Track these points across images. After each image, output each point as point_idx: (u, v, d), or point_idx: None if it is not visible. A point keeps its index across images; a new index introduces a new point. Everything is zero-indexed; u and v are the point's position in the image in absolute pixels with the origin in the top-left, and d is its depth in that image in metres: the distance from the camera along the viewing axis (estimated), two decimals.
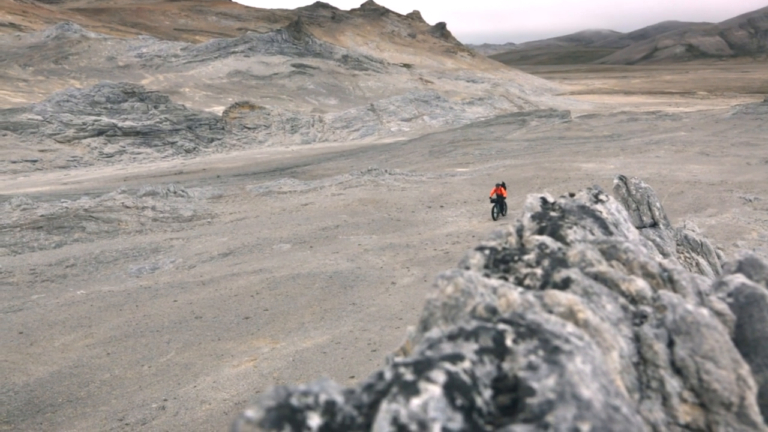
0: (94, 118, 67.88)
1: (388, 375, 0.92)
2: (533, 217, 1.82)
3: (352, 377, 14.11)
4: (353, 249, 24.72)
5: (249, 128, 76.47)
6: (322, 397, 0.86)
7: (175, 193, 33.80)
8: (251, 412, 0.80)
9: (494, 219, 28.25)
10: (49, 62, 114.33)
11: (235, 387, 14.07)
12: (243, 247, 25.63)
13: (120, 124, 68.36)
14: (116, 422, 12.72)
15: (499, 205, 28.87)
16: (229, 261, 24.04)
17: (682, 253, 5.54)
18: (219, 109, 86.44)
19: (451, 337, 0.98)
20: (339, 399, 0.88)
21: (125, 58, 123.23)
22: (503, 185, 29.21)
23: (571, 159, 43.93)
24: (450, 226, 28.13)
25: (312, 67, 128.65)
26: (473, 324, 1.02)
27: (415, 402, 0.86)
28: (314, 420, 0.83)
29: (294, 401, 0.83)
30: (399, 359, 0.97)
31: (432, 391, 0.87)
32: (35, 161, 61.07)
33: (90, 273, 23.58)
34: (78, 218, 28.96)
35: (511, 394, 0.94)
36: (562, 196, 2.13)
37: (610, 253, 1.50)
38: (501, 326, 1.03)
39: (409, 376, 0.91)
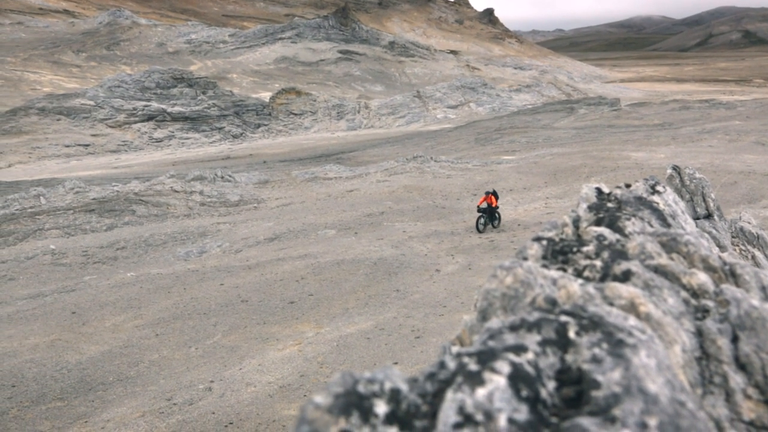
0: (144, 103, 68.99)
1: (452, 365, 0.92)
2: (590, 208, 1.79)
3: (396, 364, 14.16)
4: (398, 236, 24.75)
5: (295, 114, 76.89)
6: (387, 385, 0.87)
7: (222, 178, 34.20)
8: (320, 398, 0.81)
9: (479, 231, 25.20)
10: (102, 48, 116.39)
11: (279, 370, 14.24)
12: (288, 233, 25.84)
13: (169, 110, 69.36)
14: (164, 402, 12.98)
15: (489, 215, 25.70)
16: (275, 246, 24.27)
17: (737, 245, 5.42)
18: (266, 95, 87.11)
19: (513, 328, 0.98)
20: (403, 387, 0.89)
21: (174, 44, 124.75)
22: (494, 193, 26.20)
23: (620, 148, 43.23)
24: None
25: (358, 53, 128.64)
26: (535, 315, 1.01)
27: (481, 392, 0.86)
28: (381, 407, 0.84)
29: (361, 388, 0.84)
30: (462, 349, 0.97)
31: (497, 381, 0.87)
32: (87, 145, 62.38)
33: (139, 256, 24.04)
34: (128, 202, 29.52)
35: (575, 386, 0.93)
36: (618, 187, 2.10)
37: (670, 245, 1.48)
38: (563, 318, 1.03)
39: (473, 366, 0.91)
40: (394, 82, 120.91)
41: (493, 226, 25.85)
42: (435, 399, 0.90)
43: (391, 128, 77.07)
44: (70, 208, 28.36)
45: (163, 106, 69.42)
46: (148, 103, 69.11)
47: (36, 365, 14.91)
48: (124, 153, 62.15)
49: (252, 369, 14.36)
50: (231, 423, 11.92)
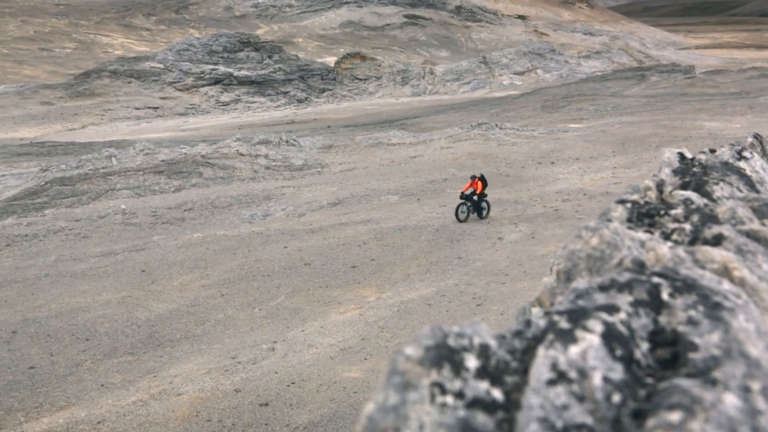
0: (211, 67, 69.86)
1: (541, 323, 0.91)
2: (674, 172, 1.74)
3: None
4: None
5: (360, 79, 76.80)
6: (476, 340, 0.86)
7: (287, 142, 34.51)
8: (410, 350, 0.81)
9: (460, 221, 22.32)
10: (171, 12, 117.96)
11: (341, 333, 14.43)
12: (351, 198, 25.99)
13: (236, 74, 70.07)
14: (229, 360, 13.32)
15: (474, 204, 22.69)
16: (338, 210, 24.46)
17: None
18: (331, 60, 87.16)
19: (603, 288, 0.96)
20: (492, 343, 0.88)
21: (241, 8, 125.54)
22: (482, 178, 22.97)
23: (693, 117, 41.90)
24: (560, 183, 27.52)
25: (424, 18, 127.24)
26: (626, 276, 0.99)
27: (574, 350, 0.85)
28: (471, 362, 0.83)
29: (451, 342, 0.84)
30: (551, 308, 0.96)
31: (590, 340, 0.85)
32: (157, 108, 63.64)
33: (206, 217, 24.54)
34: (196, 164, 30.10)
35: (670, 348, 0.91)
36: (702, 152, 2.03)
37: (762, 211, 1.42)
38: (655, 279, 1.00)
39: (564, 324, 0.90)
40: (459, 47, 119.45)
41: (480, 216, 22.75)
42: (524, 356, 0.89)
43: (456, 94, 76.35)
44: (140, 169, 29.08)
45: (230, 70, 70.17)
46: (216, 67, 69.95)
47: (108, 320, 15.45)
48: (191, 116, 63.21)
49: (314, 331, 14.60)
50: (293, 383, 12.17)
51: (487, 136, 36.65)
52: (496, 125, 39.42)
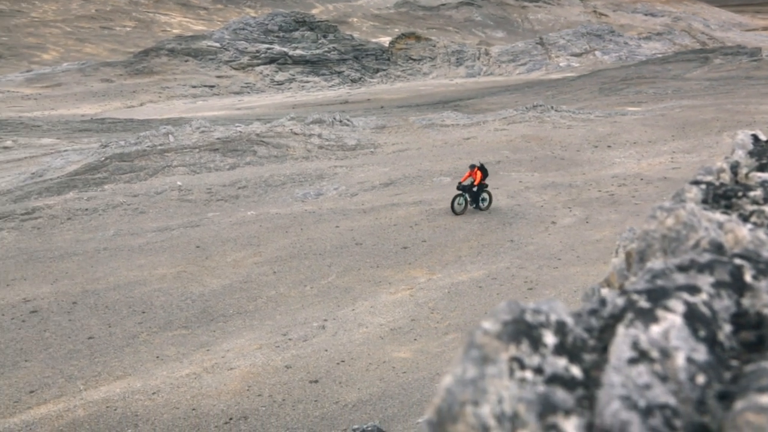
0: (267, 46, 70.33)
1: (619, 301, 0.89)
2: (750, 154, 1.68)
3: None
4: (514, 186, 24.42)
5: (414, 60, 76.46)
6: (553, 317, 0.85)
7: (340, 121, 34.61)
8: (488, 324, 0.81)
9: (455, 213, 21.17)
10: None
11: (391, 313, 14.50)
12: (404, 178, 25.97)
13: (290, 53, 70.43)
14: (280, 336, 13.50)
15: (472, 195, 21.43)
16: (390, 191, 24.48)
17: None
18: (385, 40, 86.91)
19: (682, 269, 0.94)
20: (569, 320, 0.87)
21: None
22: (481, 168, 21.62)
23: (758, 101, 40.64)
24: (617, 167, 27.03)
25: None
26: (707, 257, 0.96)
27: (655, 329, 0.83)
28: (549, 338, 0.82)
29: (528, 317, 0.83)
30: (629, 287, 0.94)
31: (672, 319, 0.83)
32: (213, 86, 64.43)
33: (260, 195, 24.81)
34: (250, 142, 30.42)
35: (755, 331, 0.88)
36: None
37: None
38: (737, 261, 0.97)
39: (643, 303, 0.88)
40: (516, 28, 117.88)
41: (479, 208, 21.54)
42: (602, 334, 0.87)
43: (511, 76, 75.46)
44: (196, 146, 29.52)
45: (285, 49, 70.56)
46: (271, 46, 70.40)
47: (163, 294, 15.79)
48: (246, 95, 63.83)
49: (364, 310, 14.69)
50: (343, 361, 12.29)
51: (542, 119, 36.18)
52: (552, 107, 38.87)
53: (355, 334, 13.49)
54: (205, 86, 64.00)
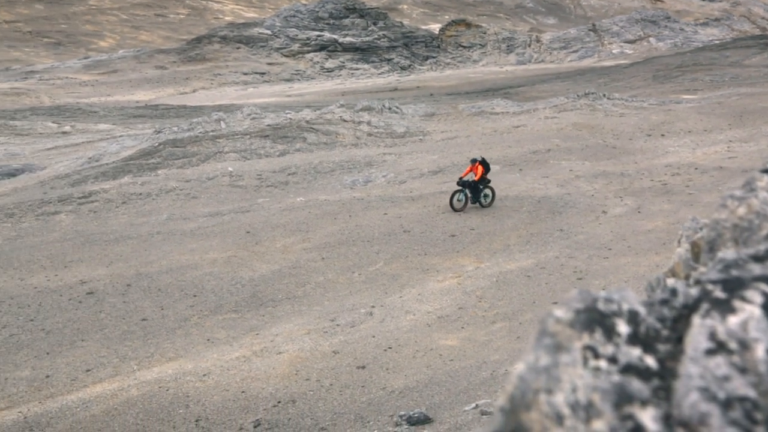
0: (317, 33, 70.60)
1: (693, 291, 0.87)
2: None
3: (556, 303, 13.99)
4: (564, 174, 24.10)
5: (464, 47, 75.91)
6: (625, 306, 0.84)
7: (389, 109, 34.58)
8: (560, 312, 0.79)
9: (454, 209, 20.32)
10: None
11: (438, 301, 14.48)
12: (452, 166, 25.84)
13: (340, 40, 70.58)
14: (328, 322, 13.60)
15: (473, 191, 20.51)
16: (439, 179, 24.40)
17: None
18: (435, 27, 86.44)
19: (757, 259, 0.91)
20: (641, 310, 0.85)
21: None
22: (483, 162, 20.77)
23: None
24: (670, 156, 26.47)
25: None
26: None
27: (733, 320, 0.81)
28: (622, 327, 0.81)
29: (600, 306, 0.81)
30: (702, 277, 0.91)
31: (750, 310, 0.81)
32: (263, 73, 64.99)
33: (309, 182, 24.97)
34: (300, 129, 30.61)
35: None
36: None
37: None
38: None
39: (719, 293, 0.85)
40: (568, 14, 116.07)
41: (481, 204, 20.68)
42: (676, 324, 0.85)
43: (563, 63, 74.40)
44: (247, 133, 29.83)
45: (335, 37, 70.74)
46: (321, 33, 70.65)
47: (214, 278, 16.04)
48: (296, 82, 64.22)
49: (412, 298, 14.70)
50: (390, 348, 12.33)
51: (594, 107, 35.61)
52: (604, 95, 38.21)
53: (402, 321, 13.51)
54: (256, 73, 64.58)
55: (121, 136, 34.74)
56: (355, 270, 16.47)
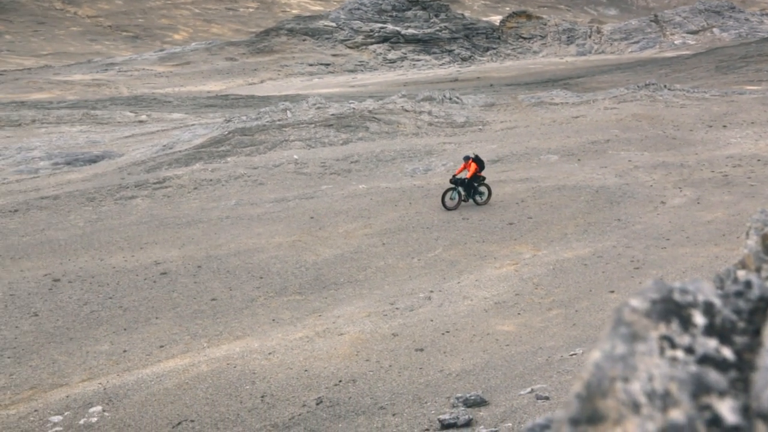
0: (380, 25, 70.53)
1: None
2: None
3: (612, 292, 13.74)
4: (622, 164, 23.59)
5: (524, 38, 74.84)
6: (700, 297, 0.81)
7: (450, 99, 34.36)
8: (636, 302, 0.78)
9: (447, 208, 19.54)
10: None
11: (495, 287, 14.38)
12: (511, 156, 25.57)
13: (403, 32, 70.39)
14: (388, 305, 13.65)
15: (467, 188, 19.71)
16: (497, 168, 24.17)
17: None
18: (496, 19, 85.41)
19: None
20: (717, 301, 0.83)
21: None
22: (476, 159, 19.89)
23: None
24: (732, 147, 25.62)
25: None
26: None
27: None
28: (699, 318, 0.79)
29: (676, 297, 0.79)
30: None
31: None
32: (328, 65, 65.31)
33: (371, 170, 25.03)
34: (363, 119, 30.68)
35: None
36: None
37: None
38: None
39: None
40: (629, 5, 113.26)
41: (476, 202, 19.89)
42: (752, 317, 0.83)
43: (623, 54, 72.67)
44: (312, 122, 30.05)
45: (398, 29, 70.58)
46: (384, 26, 70.57)
47: (279, 261, 16.25)
48: (360, 73, 64.35)
49: (469, 283, 14.64)
50: (447, 331, 12.31)
51: (655, 98, 34.70)
52: (665, 86, 37.20)
53: (460, 306, 13.47)
54: (321, 64, 64.96)
55: (193, 124, 35.43)
56: (414, 256, 16.48)
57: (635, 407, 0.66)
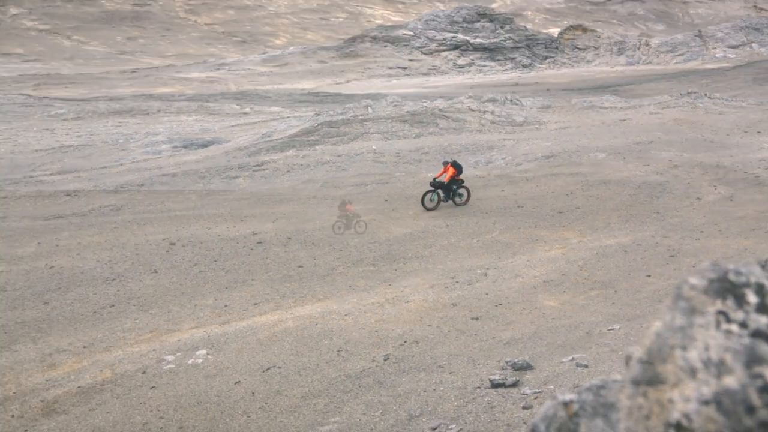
0: (452, 35, 69.80)
1: None
2: None
3: (648, 276, 13.31)
4: (663, 164, 22.75)
5: (579, 49, 72.78)
6: (752, 279, 0.78)
7: (511, 101, 33.78)
8: (695, 280, 0.75)
9: (426, 208, 18.41)
10: None
11: (544, 267, 14.13)
12: (563, 152, 25.00)
13: (471, 41, 69.47)
14: (449, 279, 13.59)
15: (446, 190, 18.66)
16: (550, 163, 23.68)
17: None
18: (555, 31, 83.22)
19: None
20: (767, 283, 0.80)
21: None
22: (454, 164, 18.83)
23: None
24: (765, 151, 24.35)
25: None
26: None
27: None
28: (751, 297, 0.76)
29: (731, 277, 0.77)
30: None
31: None
32: (405, 68, 65.09)
33: (438, 161, 24.90)
34: (433, 116, 30.50)
35: None
36: None
37: None
38: None
39: None
40: (676, 21, 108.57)
41: (455, 203, 18.76)
42: None
43: (669, 65, 69.83)
44: (389, 117, 30.06)
45: (467, 38, 69.70)
46: (455, 35, 69.79)
47: (357, 236, 16.38)
48: (432, 76, 63.90)
49: (521, 263, 14.42)
50: (500, 304, 12.18)
51: (695, 105, 33.26)
52: (705, 95, 35.62)
53: (512, 282, 13.30)
54: (399, 68, 64.78)
55: (288, 117, 35.96)
56: (474, 237, 16.34)
57: (692, 372, 0.64)
